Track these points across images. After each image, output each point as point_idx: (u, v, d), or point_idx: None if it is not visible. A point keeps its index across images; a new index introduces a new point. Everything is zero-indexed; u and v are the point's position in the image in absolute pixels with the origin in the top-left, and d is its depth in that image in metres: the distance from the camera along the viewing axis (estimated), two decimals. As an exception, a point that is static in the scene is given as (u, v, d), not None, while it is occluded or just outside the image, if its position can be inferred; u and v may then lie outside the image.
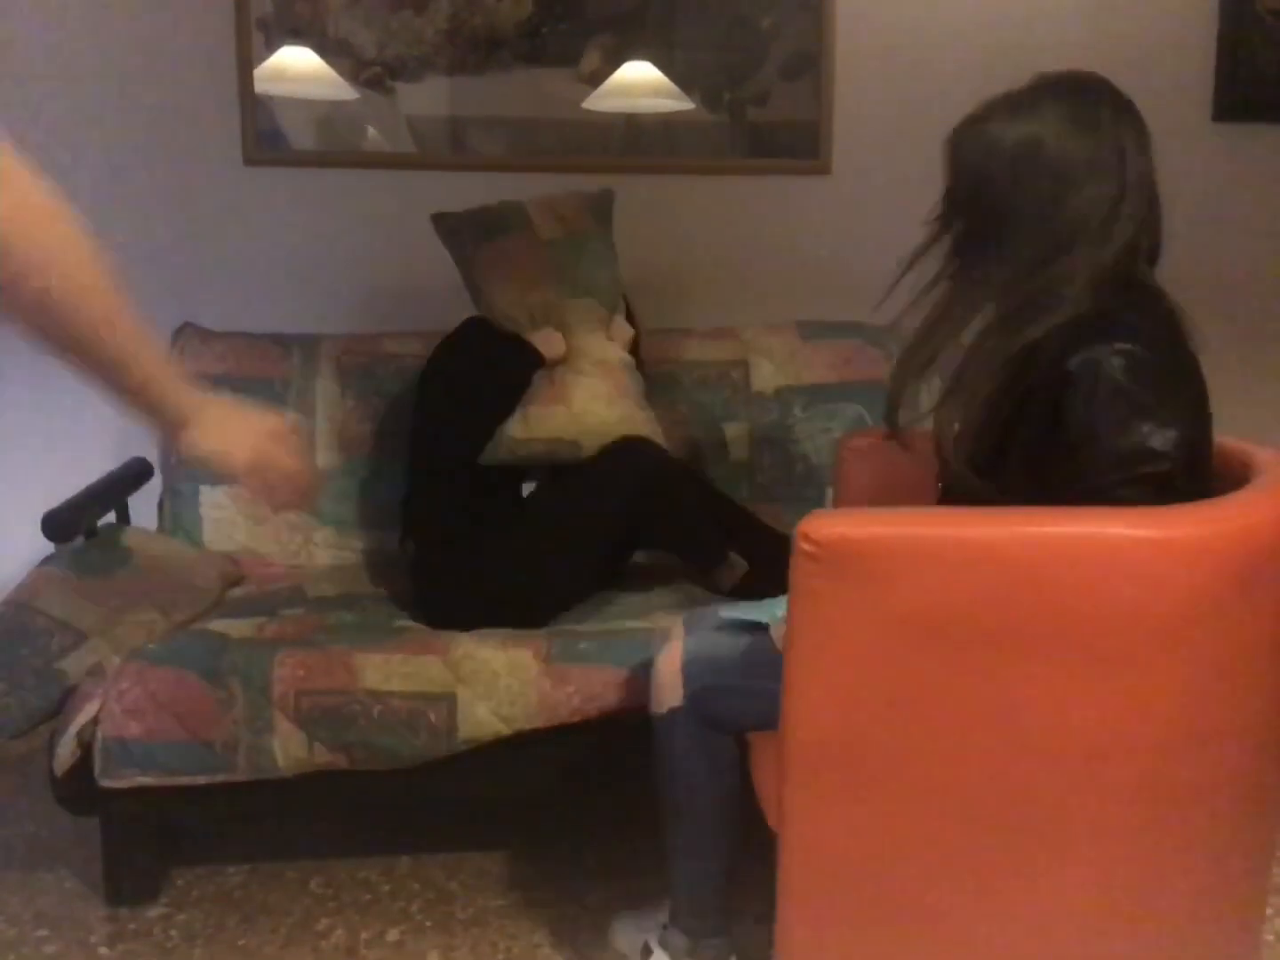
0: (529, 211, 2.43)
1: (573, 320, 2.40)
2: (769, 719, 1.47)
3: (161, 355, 1.10)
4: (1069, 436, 1.36)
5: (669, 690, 1.68)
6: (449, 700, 1.98)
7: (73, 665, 1.96)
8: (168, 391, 1.09)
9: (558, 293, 2.38)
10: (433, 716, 1.97)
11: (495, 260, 2.40)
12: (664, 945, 1.77)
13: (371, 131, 2.85)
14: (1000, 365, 1.42)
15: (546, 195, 2.47)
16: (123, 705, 1.92)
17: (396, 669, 1.99)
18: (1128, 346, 1.34)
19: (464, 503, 2.32)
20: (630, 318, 2.55)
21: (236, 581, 2.43)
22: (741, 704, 1.63)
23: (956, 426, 1.47)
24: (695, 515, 2.31)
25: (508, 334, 2.38)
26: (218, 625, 2.12)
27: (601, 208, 2.52)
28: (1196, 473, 1.39)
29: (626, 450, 2.31)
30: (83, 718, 1.92)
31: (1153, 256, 1.46)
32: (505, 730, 1.99)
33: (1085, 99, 1.44)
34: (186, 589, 2.25)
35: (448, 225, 2.45)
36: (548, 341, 2.37)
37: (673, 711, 1.67)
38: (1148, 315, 1.40)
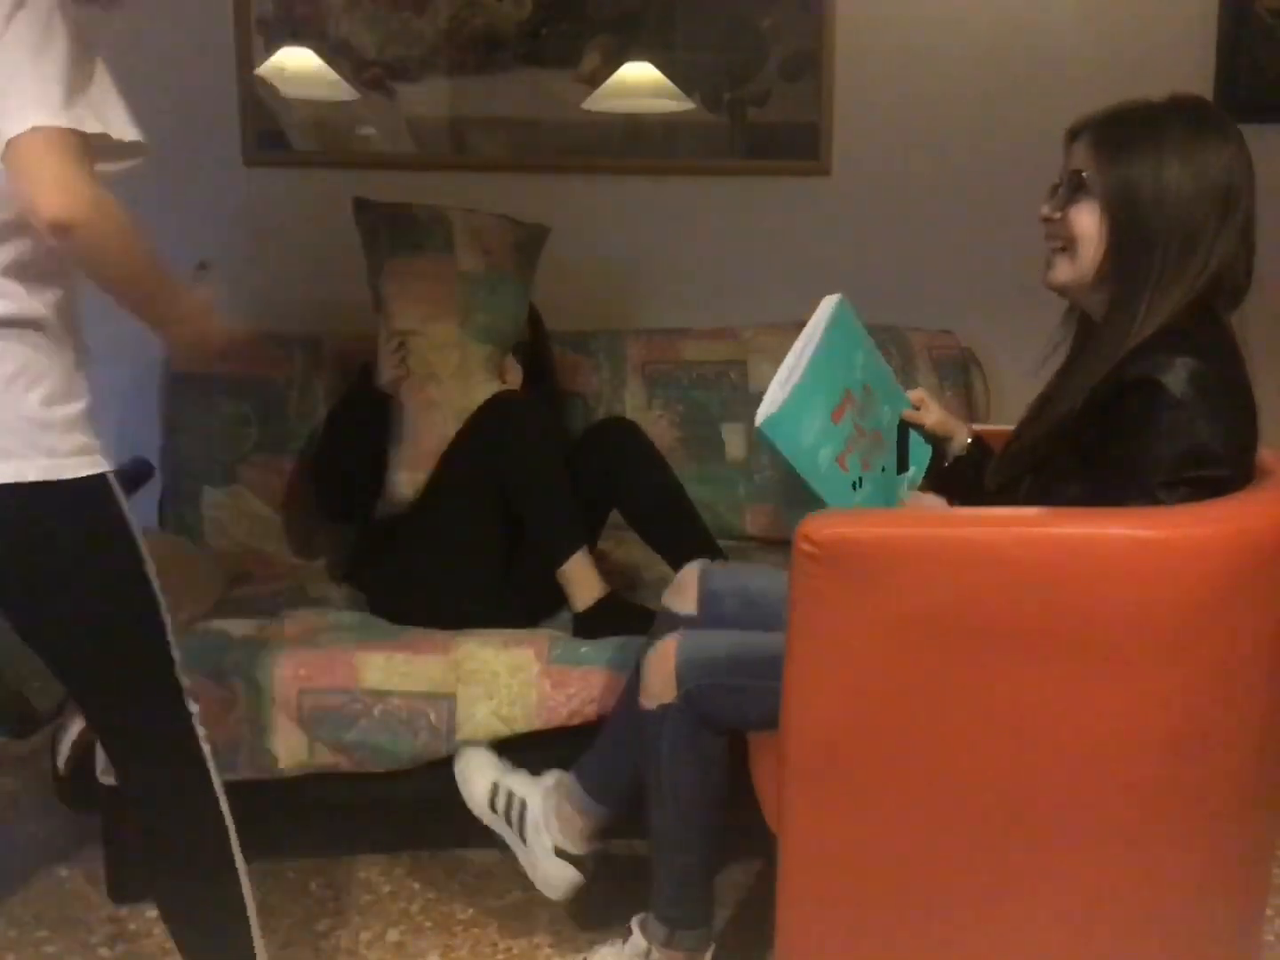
0: (454, 232, 2.32)
1: (474, 367, 2.29)
2: (764, 718, 1.47)
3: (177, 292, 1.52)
4: (1125, 440, 1.37)
5: (661, 686, 1.67)
6: (449, 700, 1.98)
7: (75, 665, 1.96)
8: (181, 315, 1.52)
9: (460, 333, 2.26)
10: (433, 716, 1.98)
11: (405, 275, 2.30)
12: (644, 931, 1.77)
13: (372, 132, 2.85)
14: (1098, 381, 1.43)
15: (479, 217, 2.39)
16: (124, 705, 1.92)
17: (397, 668, 1.99)
18: (1189, 360, 1.36)
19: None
20: (543, 340, 2.52)
21: (238, 581, 2.43)
22: (737, 702, 1.64)
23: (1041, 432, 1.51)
24: (549, 478, 2.14)
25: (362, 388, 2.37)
26: (220, 625, 2.12)
27: (531, 245, 2.43)
28: (1244, 485, 1.39)
29: (491, 404, 2.22)
30: (85, 715, 1.92)
31: (1236, 293, 1.48)
32: (505, 731, 1.99)
33: (1214, 128, 1.44)
34: (188, 588, 2.24)
35: (368, 219, 2.37)
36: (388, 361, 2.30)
37: (664, 708, 1.67)
38: (1211, 334, 1.43)
